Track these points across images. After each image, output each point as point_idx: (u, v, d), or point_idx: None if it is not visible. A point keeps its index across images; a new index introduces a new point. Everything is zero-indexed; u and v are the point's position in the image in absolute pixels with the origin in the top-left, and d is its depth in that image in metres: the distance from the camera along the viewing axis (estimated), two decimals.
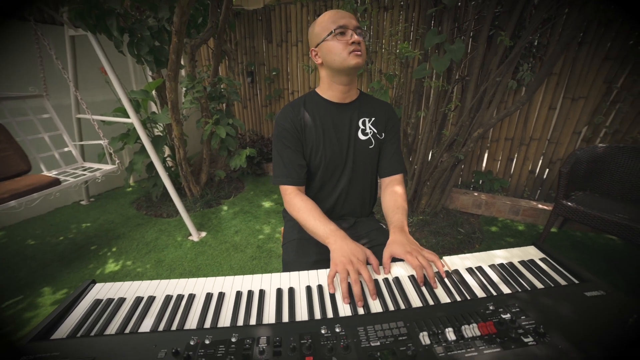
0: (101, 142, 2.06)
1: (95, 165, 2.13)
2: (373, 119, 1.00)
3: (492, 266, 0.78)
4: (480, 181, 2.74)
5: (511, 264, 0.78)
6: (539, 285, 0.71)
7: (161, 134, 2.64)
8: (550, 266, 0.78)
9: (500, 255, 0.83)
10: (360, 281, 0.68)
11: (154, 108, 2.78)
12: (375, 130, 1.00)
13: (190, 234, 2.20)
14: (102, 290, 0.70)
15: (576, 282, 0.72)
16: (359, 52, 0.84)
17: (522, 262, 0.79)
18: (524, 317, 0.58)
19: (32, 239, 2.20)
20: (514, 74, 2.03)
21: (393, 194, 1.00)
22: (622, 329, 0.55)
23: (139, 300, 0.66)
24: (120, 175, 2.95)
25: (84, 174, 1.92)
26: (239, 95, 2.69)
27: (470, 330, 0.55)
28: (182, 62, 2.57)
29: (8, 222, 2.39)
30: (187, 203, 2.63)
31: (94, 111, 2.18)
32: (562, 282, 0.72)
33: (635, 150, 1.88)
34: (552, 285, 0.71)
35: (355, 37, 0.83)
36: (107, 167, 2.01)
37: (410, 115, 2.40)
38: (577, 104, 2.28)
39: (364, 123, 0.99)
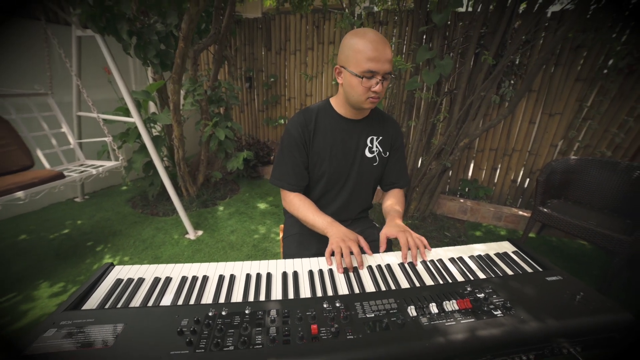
0: (105, 139, 2.10)
1: (98, 162, 2.16)
2: (381, 138, 1.05)
3: (471, 257, 0.88)
4: (467, 189, 2.89)
5: (487, 255, 0.89)
6: (510, 272, 0.82)
7: (160, 135, 2.69)
8: (520, 257, 0.89)
9: (479, 248, 0.94)
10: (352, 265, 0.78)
11: (153, 109, 2.83)
12: (381, 149, 1.06)
13: (187, 232, 2.25)
14: (121, 272, 0.77)
15: (540, 270, 0.83)
16: (375, 99, 0.89)
17: (497, 254, 0.90)
18: (495, 296, 0.69)
19: (26, 234, 2.20)
20: (497, 90, 2.19)
21: (393, 198, 1.11)
22: (571, 303, 0.67)
23: (157, 280, 0.73)
24: (116, 174, 2.97)
25: (88, 170, 1.96)
26: (238, 99, 2.77)
27: (450, 305, 0.65)
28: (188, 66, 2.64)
29: (0, 217, 2.38)
30: (184, 202, 2.67)
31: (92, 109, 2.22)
32: (529, 270, 0.83)
33: (601, 163, 2.05)
34: (520, 272, 0.82)
35: (378, 87, 0.85)
36: (111, 164, 2.06)
37: (401, 125, 2.53)
38: (553, 120, 2.47)
39: (371, 141, 1.04)
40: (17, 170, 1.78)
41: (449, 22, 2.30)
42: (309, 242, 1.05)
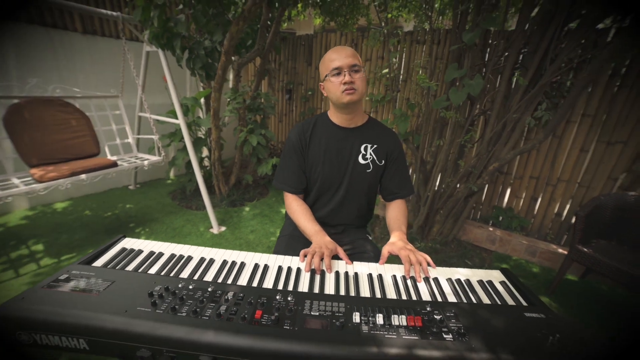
0: (153, 137, 2.43)
1: (146, 156, 2.51)
2: (375, 146, 1.10)
3: (448, 279, 0.86)
4: (500, 217, 2.67)
5: (467, 281, 0.86)
6: (487, 301, 0.78)
7: (202, 137, 3.00)
8: (506, 288, 0.84)
9: (462, 273, 0.90)
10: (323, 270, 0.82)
11: (200, 114, 3.17)
12: (375, 157, 1.10)
13: (211, 227, 2.45)
14: (128, 243, 0.91)
15: (524, 304, 0.77)
16: (351, 91, 0.95)
17: (480, 281, 0.86)
18: (454, 321, 0.67)
19: (89, 210, 2.65)
20: (534, 112, 2.04)
21: (395, 210, 1.13)
22: (541, 344, 0.62)
23: (152, 253, 0.86)
24: (164, 168, 3.36)
25: (135, 162, 2.29)
26: (274, 109, 2.98)
27: (399, 319, 0.65)
28: (229, 77, 2.94)
29: (75, 195, 2.90)
30: (215, 200, 2.91)
31: (153, 111, 2.60)
32: (510, 302, 0.78)
33: None
34: (499, 302, 0.77)
35: (348, 78, 0.93)
36: (154, 158, 2.37)
37: (430, 144, 2.47)
38: (613, 149, 2.18)
39: (365, 149, 1.09)
40: (88, 156, 2.17)
41: (490, 41, 2.22)
42: (296, 244, 1.11)
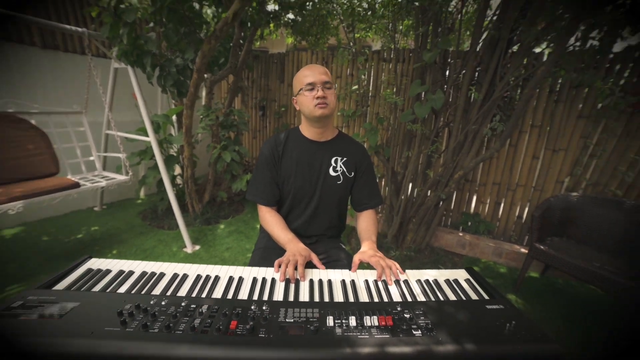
0: (120, 155, 2.34)
1: (112, 175, 2.40)
2: (345, 159, 1.15)
3: (418, 281, 0.91)
4: (468, 223, 2.83)
5: (435, 281, 0.91)
6: (452, 297, 0.83)
7: (174, 154, 2.94)
8: (470, 285, 0.90)
9: (431, 274, 0.95)
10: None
11: (172, 131, 3.12)
12: (345, 169, 1.15)
13: (185, 246, 2.37)
14: (95, 263, 0.88)
15: (486, 298, 0.84)
16: (323, 105, 1.01)
17: (446, 281, 0.92)
18: (423, 318, 0.71)
19: (46, 236, 2.44)
20: (490, 123, 2.23)
21: (365, 221, 1.19)
22: (499, 331, 0.67)
23: (121, 272, 0.83)
24: (132, 188, 3.22)
25: (100, 181, 2.18)
26: (247, 126, 2.99)
27: (371, 320, 0.68)
28: (201, 94, 2.94)
29: (29, 219, 2.66)
30: (188, 218, 2.83)
31: (122, 129, 2.51)
32: (474, 297, 0.84)
33: (605, 201, 1.97)
34: (464, 298, 0.83)
35: (320, 93, 1.00)
36: (121, 177, 2.28)
37: (400, 155, 2.60)
38: (558, 155, 2.42)
39: (335, 161, 1.14)
40: (45, 176, 2.04)
41: (449, 60, 2.42)
42: (270, 255, 1.12)
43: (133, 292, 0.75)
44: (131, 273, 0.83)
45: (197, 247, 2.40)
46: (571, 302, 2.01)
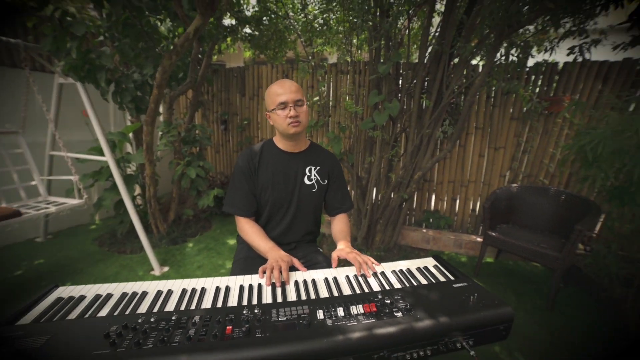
0: (71, 177, 2.16)
1: (61, 200, 2.19)
2: (318, 167, 1.22)
3: (393, 271, 0.99)
4: (430, 219, 3.05)
5: (408, 269, 1.00)
6: (424, 282, 0.93)
7: (133, 173, 2.77)
8: (437, 270, 1.01)
9: (403, 264, 1.05)
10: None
11: (129, 149, 2.94)
12: (319, 177, 1.22)
13: (152, 269, 2.23)
14: (65, 291, 0.83)
15: (451, 278, 0.95)
16: (296, 124, 1.07)
17: (418, 268, 1.02)
18: (401, 301, 0.79)
19: None
20: (441, 127, 2.48)
21: (339, 223, 1.26)
22: (466, 303, 0.78)
23: (98, 296, 0.80)
24: (84, 212, 2.95)
25: (48, 207, 1.98)
26: (211, 140, 2.95)
27: (356, 309, 0.74)
28: (160, 110, 2.83)
29: None
30: (153, 240, 2.67)
31: (70, 149, 2.31)
32: (442, 279, 0.94)
33: (535, 189, 2.31)
34: (434, 281, 0.93)
35: (293, 112, 1.05)
36: (74, 202, 2.09)
37: (363, 161, 2.74)
38: (499, 153, 2.76)
39: (310, 171, 1.21)
40: None
41: (401, 71, 2.66)
42: (252, 266, 1.14)
43: (116, 313, 0.73)
44: (110, 296, 0.80)
45: (166, 269, 2.28)
46: (520, 279, 2.28)
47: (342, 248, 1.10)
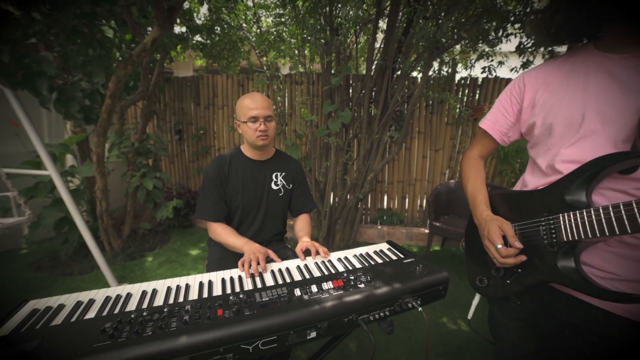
0: (7, 194, 1.96)
1: None
2: (284, 173, 1.35)
3: (354, 255, 1.16)
4: (384, 217, 3.34)
5: (367, 253, 1.18)
6: (380, 261, 1.11)
7: (78, 188, 2.58)
8: (391, 251, 1.20)
9: (362, 250, 1.22)
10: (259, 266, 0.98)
11: (73, 162, 2.72)
12: (285, 182, 1.35)
13: (109, 287, 2.10)
14: (39, 303, 0.82)
15: (402, 257, 1.14)
16: (264, 137, 1.19)
17: (374, 252, 1.19)
18: (363, 276, 0.95)
19: None
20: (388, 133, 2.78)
21: (301, 222, 1.39)
22: (413, 273, 0.97)
23: (79, 303, 0.82)
24: (10, 237, 2.62)
25: None
26: (166, 150, 2.87)
27: (327, 285, 0.88)
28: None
29: None
30: (106, 257, 2.49)
31: None
32: (394, 258, 1.13)
33: None
34: (388, 260, 1.11)
35: (263, 127, 1.17)
36: (13, 220, 1.89)
37: (320, 166, 2.93)
38: (438, 154, 3.16)
39: (276, 176, 1.33)
40: None
41: (351, 82, 2.92)
42: (227, 265, 1.21)
43: (104, 314, 0.76)
44: (92, 301, 0.83)
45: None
46: (461, 262, 2.65)
47: (303, 241, 1.23)
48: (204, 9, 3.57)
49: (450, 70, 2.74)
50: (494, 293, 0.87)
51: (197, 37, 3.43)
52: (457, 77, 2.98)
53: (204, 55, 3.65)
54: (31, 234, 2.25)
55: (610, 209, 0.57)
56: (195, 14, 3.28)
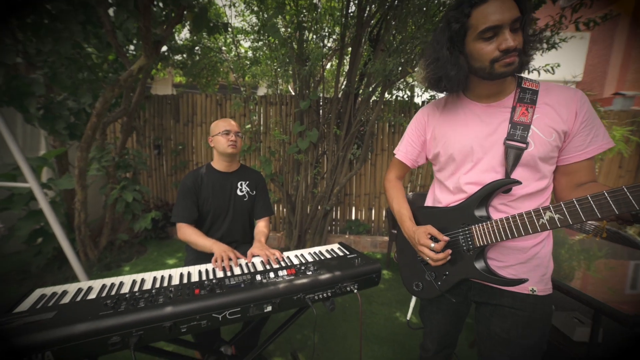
0: None
1: None
2: (248, 182, 1.62)
3: (309, 253, 1.42)
4: (352, 227, 3.64)
5: (320, 251, 1.44)
6: (329, 256, 1.37)
7: (53, 200, 2.65)
8: (340, 250, 1.47)
9: (317, 249, 1.48)
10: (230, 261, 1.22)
11: (50, 174, 2.80)
12: (249, 190, 1.62)
13: None
14: (46, 290, 1.01)
15: (348, 254, 1.42)
16: (233, 146, 1.48)
17: (326, 250, 1.46)
18: (312, 266, 1.21)
19: None
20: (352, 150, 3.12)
21: (260, 226, 1.63)
22: (353, 264, 1.24)
23: (80, 289, 1.01)
24: None
25: None
26: (146, 165, 3.03)
27: (282, 272, 1.14)
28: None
29: None
30: (82, 267, 2.57)
31: None
32: (341, 254, 1.40)
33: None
34: (335, 256, 1.38)
35: (233, 138, 1.47)
36: None
37: (292, 180, 3.20)
38: None
39: (241, 185, 1.60)
40: None
41: (321, 104, 3.26)
42: (202, 263, 1.43)
43: (103, 295, 0.97)
44: (90, 288, 1.02)
45: None
46: None
47: (255, 246, 1.41)
48: (184, 32, 3.84)
49: (407, 95, 3.13)
50: (429, 294, 1.03)
51: (178, 57, 3.67)
52: (419, 100, 3.40)
53: (184, 74, 3.88)
54: (1, 246, 2.31)
55: (504, 220, 0.81)
56: (176, 34, 3.53)
